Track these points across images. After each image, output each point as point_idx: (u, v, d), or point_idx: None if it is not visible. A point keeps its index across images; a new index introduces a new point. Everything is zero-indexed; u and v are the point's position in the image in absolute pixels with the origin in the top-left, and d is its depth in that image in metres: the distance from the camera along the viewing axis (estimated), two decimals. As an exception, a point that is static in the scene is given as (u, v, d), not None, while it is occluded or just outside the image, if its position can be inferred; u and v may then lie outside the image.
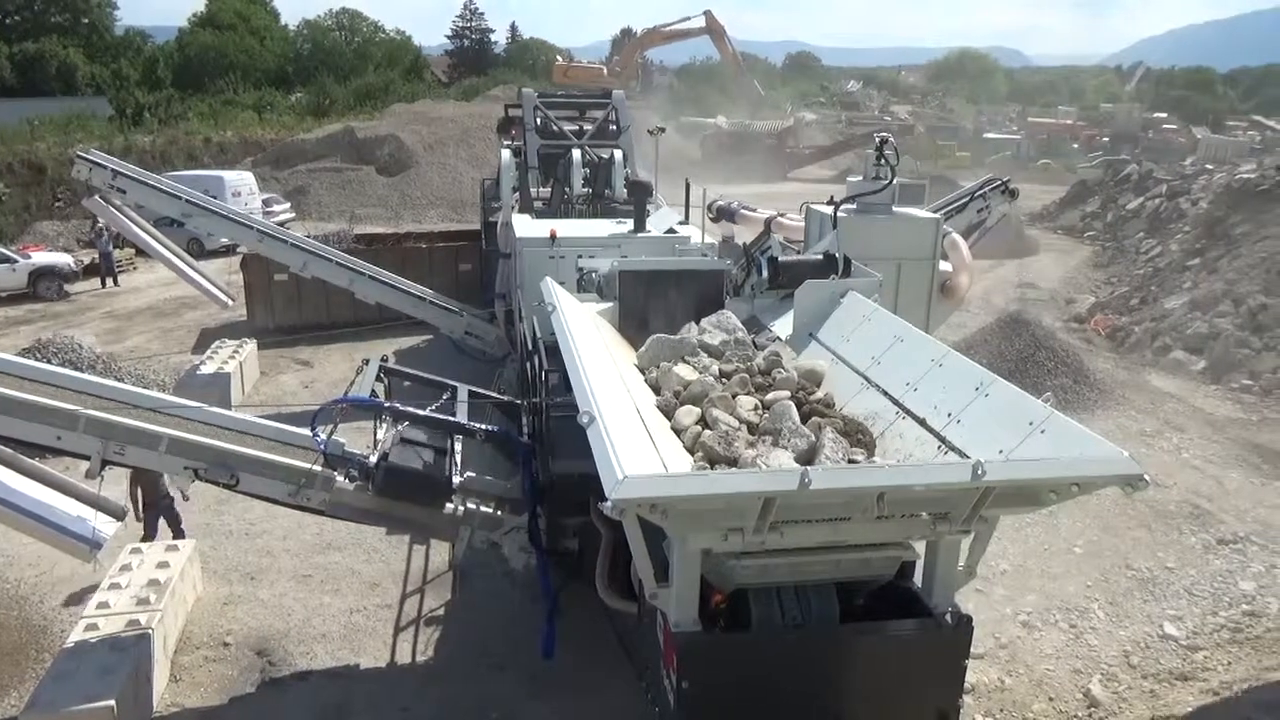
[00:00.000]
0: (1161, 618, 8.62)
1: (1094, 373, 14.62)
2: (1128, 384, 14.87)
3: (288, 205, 33.41)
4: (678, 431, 5.58)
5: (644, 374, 6.63)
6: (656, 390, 6.26)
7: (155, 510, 9.37)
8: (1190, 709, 7.16)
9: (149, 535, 9.34)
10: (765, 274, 8.07)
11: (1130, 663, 8.02)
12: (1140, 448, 12.05)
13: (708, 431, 5.39)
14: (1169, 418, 13.54)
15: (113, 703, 6.52)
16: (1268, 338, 16.08)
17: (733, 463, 5.06)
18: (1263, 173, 22.75)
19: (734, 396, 5.87)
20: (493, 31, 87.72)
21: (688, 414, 5.69)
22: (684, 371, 6.29)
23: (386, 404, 8.09)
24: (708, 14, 50.26)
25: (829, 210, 9.79)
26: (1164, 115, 59.88)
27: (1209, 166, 30.88)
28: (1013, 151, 53.65)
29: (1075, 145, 56.70)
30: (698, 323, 7.28)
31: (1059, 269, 25.82)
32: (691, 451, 5.30)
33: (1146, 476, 4.35)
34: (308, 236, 18.51)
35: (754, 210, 16.31)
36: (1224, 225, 21.28)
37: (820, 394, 6.13)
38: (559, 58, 62.61)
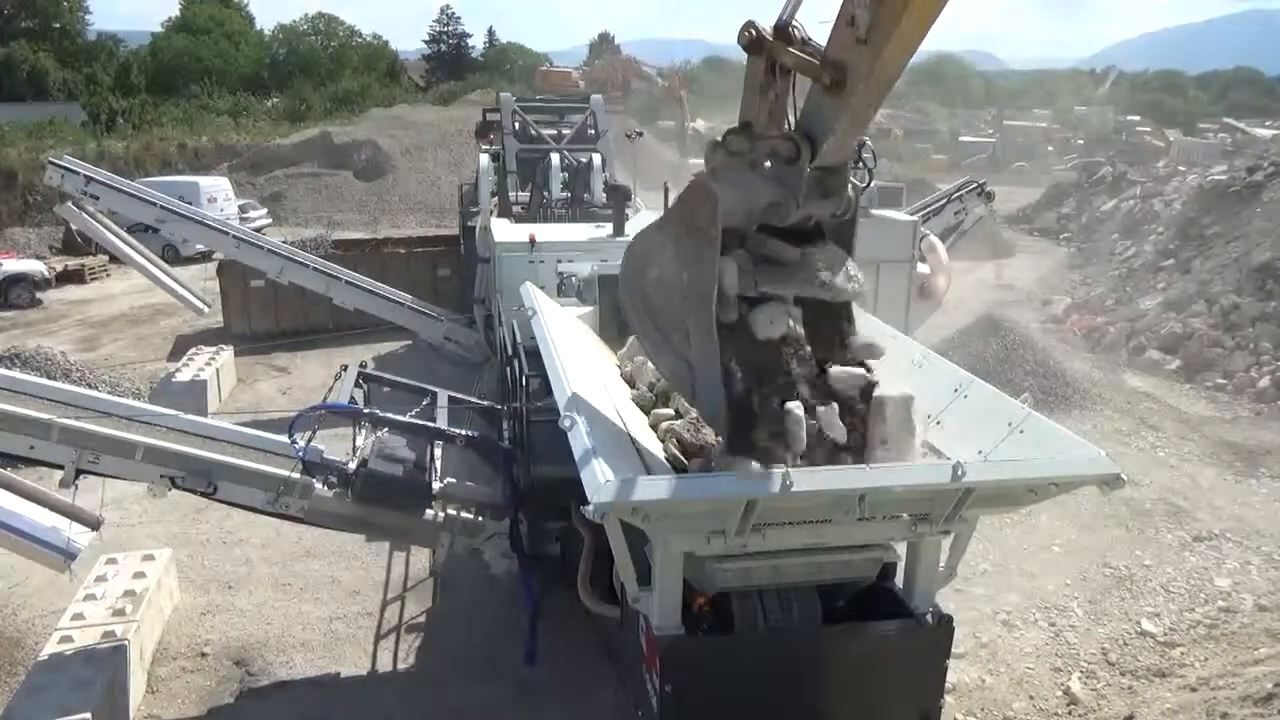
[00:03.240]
0: (1139, 615, 8.70)
1: (1070, 373, 14.75)
2: (1104, 384, 15.01)
3: (264, 211, 33.14)
4: (655, 428, 5.61)
5: (623, 373, 6.66)
6: (632, 384, 6.30)
7: None
8: (1168, 705, 7.23)
9: None
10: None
11: (1109, 660, 8.09)
12: (1117, 447, 12.16)
13: (678, 421, 5.42)
14: (1144, 417, 13.68)
15: (88, 716, 6.42)
16: (1240, 337, 16.29)
17: (700, 450, 5.09)
18: (1234, 174, 23.07)
19: None
20: (470, 36, 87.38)
21: (663, 409, 5.74)
22: None
23: (365, 410, 8.04)
24: (672, 79, 51.40)
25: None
26: (1137, 118, 60.54)
27: (1181, 168, 31.27)
28: (988, 154, 54.06)
29: (1050, 148, 57.24)
30: None
31: (1035, 270, 26.06)
32: (664, 441, 5.33)
33: (1123, 475, 4.40)
34: (284, 242, 18.37)
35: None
36: (1196, 226, 21.55)
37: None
38: (550, 63, 63.04)
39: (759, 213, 4.37)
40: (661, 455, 5.25)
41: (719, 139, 4.48)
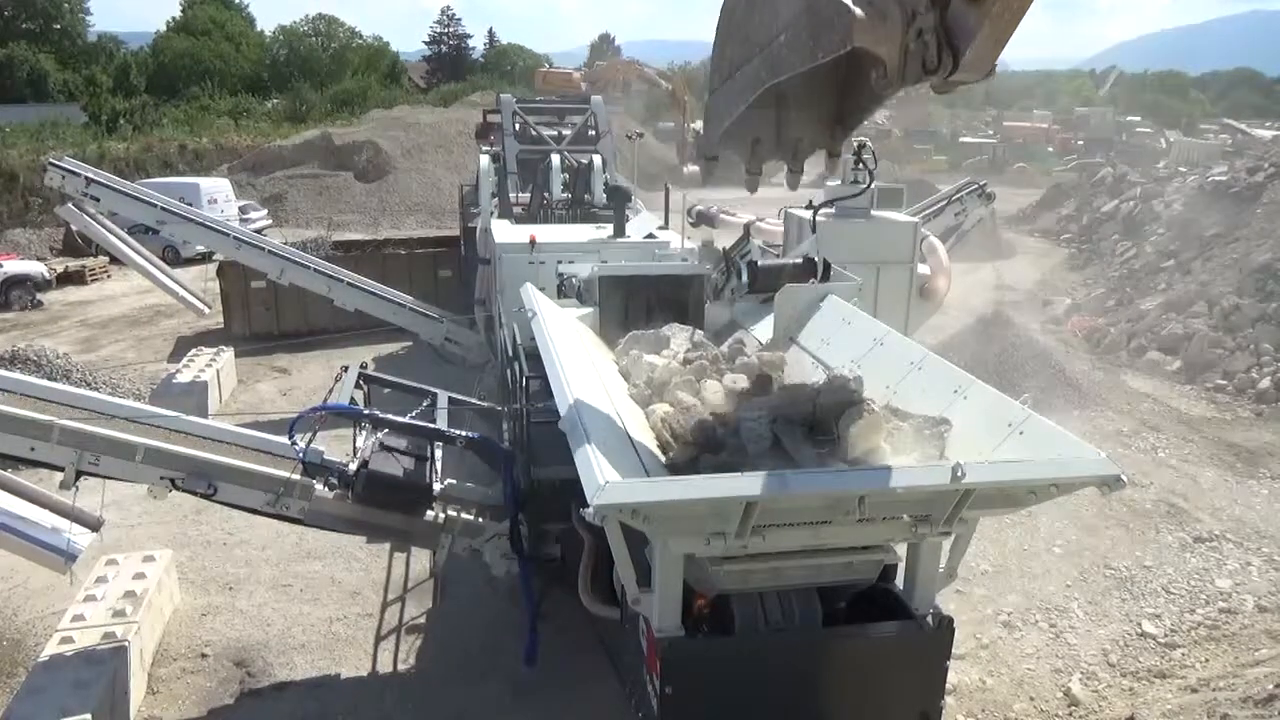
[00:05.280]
0: (1140, 616, 8.70)
1: (1071, 374, 14.75)
2: (1104, 385, 15.00)
3: (265, 212, 33.12)
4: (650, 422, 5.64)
5: (619, 369, 6.68)
6: (627, 378, 6.33)
7: None
8: (1169, 706, 7.22)
9: None
10: (745, 278, 8.08)
11: (1109, 661, 8.09)
12: (1117, 448, 12.17)
13: (672, 410, 5.45)
14: (1145, 418, 13.68)
15: (88, 717, 6.42)
16: (1240, 338, 16.28)
17: (691, 440, 5.11)
18: (1234, 175, 23.07)
19: (699, 380, 5.95)
20: (470, 37, 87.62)
21: (659, 404, 5.77)
22: (652, 359, 6.38)
23: (366, 411, 8.03)
24: (676, 83, 51.65)
25: (808, 214, 9.83)
26: (1137, 118, 60.60)
27: (1182, 169, 31.26)
28: (989, 155, 54.09)
29: (1051, 149, 57.26)
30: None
31: (1036, 271, 26.05)
32: (656, 432, 5.35)
33: (1123, 477, 4.39)
34: (285, 243, 18.38)
35: (733, 215, 16.36)
36: (1197, 227, 21.55)
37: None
38: (551, 64, 63.08)
39: (867, 58, 3.94)
40: (656, 449, 5.27)
41: None
